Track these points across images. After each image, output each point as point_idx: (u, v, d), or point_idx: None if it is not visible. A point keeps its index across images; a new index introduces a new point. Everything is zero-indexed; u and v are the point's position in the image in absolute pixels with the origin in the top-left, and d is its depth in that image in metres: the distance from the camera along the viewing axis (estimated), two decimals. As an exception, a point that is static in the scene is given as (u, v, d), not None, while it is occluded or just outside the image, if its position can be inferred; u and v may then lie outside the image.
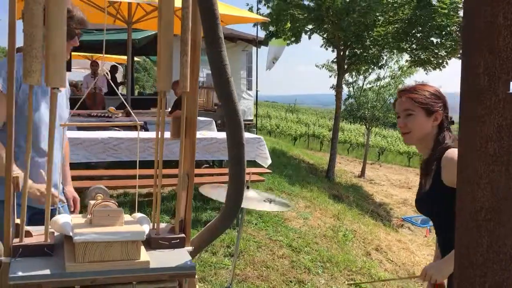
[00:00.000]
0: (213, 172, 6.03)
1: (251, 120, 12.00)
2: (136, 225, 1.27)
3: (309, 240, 5.13)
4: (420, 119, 1.96)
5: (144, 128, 6.17)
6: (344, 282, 4.35)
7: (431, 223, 7.19)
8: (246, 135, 6.64)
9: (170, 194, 6.12)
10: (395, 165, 17.24)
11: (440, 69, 9.80)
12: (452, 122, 2.04)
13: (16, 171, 1.22)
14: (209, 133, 6.07)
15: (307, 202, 6.83)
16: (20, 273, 1.10)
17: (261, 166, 6.07)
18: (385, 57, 11.06)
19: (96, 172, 5.17)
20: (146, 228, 1.31)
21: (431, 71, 9.91)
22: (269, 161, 5.95)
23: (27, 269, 1.12)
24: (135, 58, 15.88)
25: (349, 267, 4.69)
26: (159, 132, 1.40)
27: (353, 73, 12.88)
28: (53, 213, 1.31)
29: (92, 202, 1.36)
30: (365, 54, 9.85)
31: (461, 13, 9.34)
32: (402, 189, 12.15)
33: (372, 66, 10.36)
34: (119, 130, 5.77)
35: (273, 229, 5.22)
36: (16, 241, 1.22)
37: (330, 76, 13.51)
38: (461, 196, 0.70)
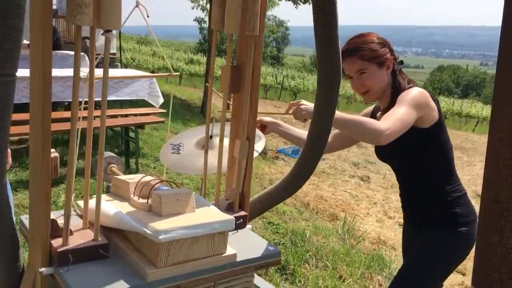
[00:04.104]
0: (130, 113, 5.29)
1: (114, 54, 11.04)
2: (212, 209, 1.01)
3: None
4: (376, 74, 1.87)
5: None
6: (257, 221, 4.36)
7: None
8: (121, 72, 6.00)
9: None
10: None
11: (310, 3, 9.97)
12: (401, 62, 1.97)
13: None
14: (115, 71, 5.38)
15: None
16: (89, 291, 0.80)
17: (152, 106, 5.64)
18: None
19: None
20: (214, 208, 1.04)
21: (300, 4, 10.04)
22: (161, 100, 5.55)
23: (93, 283, 0.82)
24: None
25: (257, 206, 4.69)
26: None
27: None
28: None
29: (128, 180, 1.05)
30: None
31: None
32: (268, 121, 12.51)
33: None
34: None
35: (175, 172, 4.96)
36: (55, 243, 0.88)
37: (193, 8, 13.07)
38: (492, 148, 0.64)
